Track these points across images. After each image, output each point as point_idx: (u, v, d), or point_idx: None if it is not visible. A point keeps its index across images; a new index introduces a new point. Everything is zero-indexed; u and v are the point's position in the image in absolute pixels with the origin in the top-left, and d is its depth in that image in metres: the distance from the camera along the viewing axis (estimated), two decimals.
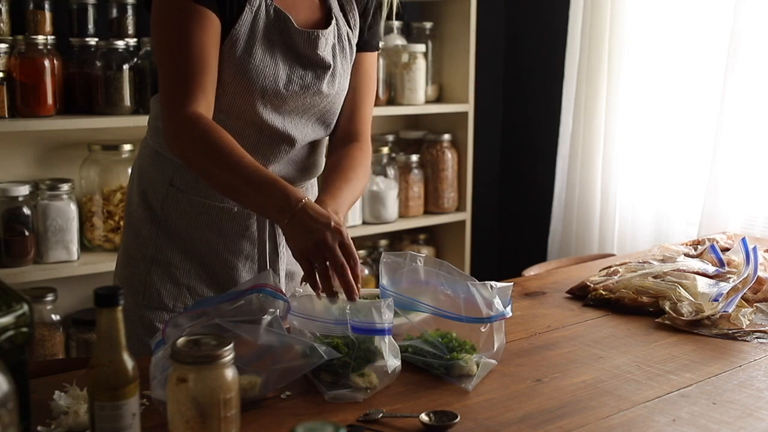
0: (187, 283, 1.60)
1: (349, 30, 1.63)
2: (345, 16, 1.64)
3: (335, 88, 1.61)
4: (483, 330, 1.37)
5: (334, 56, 1.60)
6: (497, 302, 1.37)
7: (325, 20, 1.61)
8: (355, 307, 1.32)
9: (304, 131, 1.61)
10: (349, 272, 1.35)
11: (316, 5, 1.61)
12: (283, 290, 1.62)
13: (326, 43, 1.58)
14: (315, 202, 1.44)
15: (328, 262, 1.36)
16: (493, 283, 1.40)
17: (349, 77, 1.65)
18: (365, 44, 1.68)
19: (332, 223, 1.37)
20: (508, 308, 1.39)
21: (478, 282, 1.40)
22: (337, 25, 1.61)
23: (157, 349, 1.24)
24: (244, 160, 1.42)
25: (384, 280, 1.45)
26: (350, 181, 1.56)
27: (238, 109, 1.53)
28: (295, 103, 1.57)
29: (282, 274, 1.67)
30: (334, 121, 1.66)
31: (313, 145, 1.67)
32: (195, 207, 1.59)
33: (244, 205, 1.53)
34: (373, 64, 1.71)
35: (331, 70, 1.59)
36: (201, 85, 1.46)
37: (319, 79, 1.57)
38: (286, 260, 1.66)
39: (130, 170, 2.48)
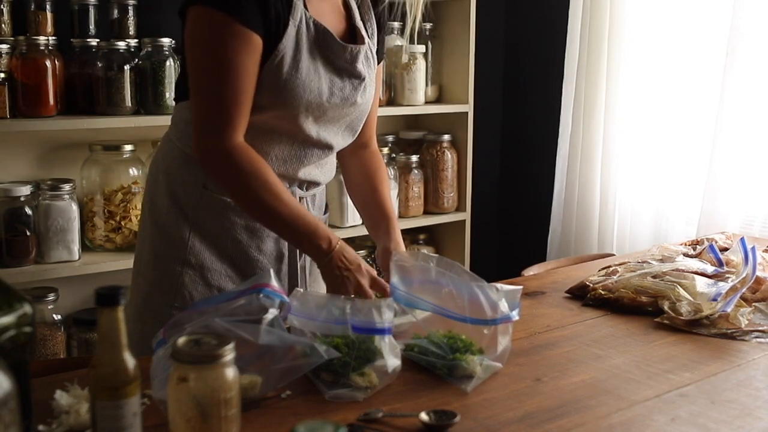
0: (218, 285, 1.61)
1: (370, 41, 1.68)
2: (365, 27, 1.67)
3: (366, 98, 1.66)
4: (486, 332, 1.37)
5: (365, 67, 1.64)
6: (503, 305, 1.37)
7: (349, 30, 1.65)
8: (355, 306, 1.32)
9: (336, 139, 1.66)
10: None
11: (342, 15, 1.65)
12: (308, 283, 1.72)
13: (362, 56, 1.62)
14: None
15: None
16: (501, 285, 1.40)
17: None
18: (377, 54, 1.72)
19: (362, 268, 1.55)
20: (515, 312, 1.38)
21: (486, 284, 1.40)
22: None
23: (158, 348, 1.24)
24: (285, 197, 1.52)
25: (394, 279, 1.47)
26: (392, 216, 1.73)
27: (279, 120, 1.55)
28: (333, 113, 1.61)
29: (307, 272, 1.72)
30: (360, 128, 1.72)
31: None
32: (229, 209, 1.61)
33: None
34: (380, 72, 1.78)
35: (364, 81, 1.64)
36: (243, 113, 1.49)
37: (356, 90, 1.62)
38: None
39: (131, 170, 2.49)
